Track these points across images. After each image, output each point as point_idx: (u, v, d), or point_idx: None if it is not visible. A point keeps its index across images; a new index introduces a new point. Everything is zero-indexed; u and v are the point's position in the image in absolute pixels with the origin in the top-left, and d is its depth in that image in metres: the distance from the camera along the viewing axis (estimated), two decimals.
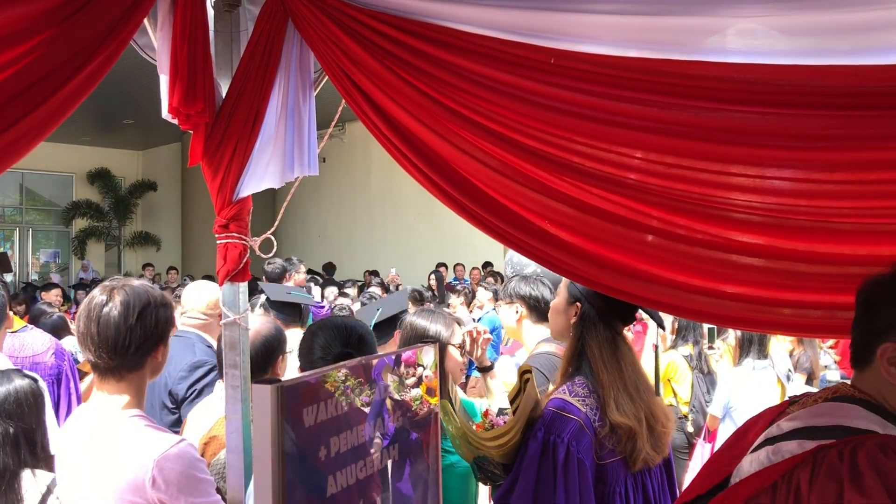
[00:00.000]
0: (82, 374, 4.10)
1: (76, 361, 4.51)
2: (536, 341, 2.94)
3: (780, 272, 1.74)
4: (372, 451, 1.29)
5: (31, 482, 2.17)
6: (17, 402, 2.27)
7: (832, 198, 1.58)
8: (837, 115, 1.42)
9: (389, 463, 1.37)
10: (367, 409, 1.28)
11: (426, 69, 1.80)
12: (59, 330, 5.03)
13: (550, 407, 2.04)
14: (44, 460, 2.26)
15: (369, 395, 1.29)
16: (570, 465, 1.93)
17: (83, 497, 1.75)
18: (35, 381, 2.40)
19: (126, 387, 1.82)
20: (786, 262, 1.72)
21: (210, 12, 2.11)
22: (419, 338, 2.51)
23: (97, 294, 1.82)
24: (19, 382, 2.32)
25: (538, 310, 2.97)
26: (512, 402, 2.11)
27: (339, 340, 1.90)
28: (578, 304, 2.19)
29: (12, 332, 3.70)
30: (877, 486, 1.12)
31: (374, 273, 14.41)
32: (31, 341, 3.75)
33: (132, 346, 1.78)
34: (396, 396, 1.42)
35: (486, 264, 13.77)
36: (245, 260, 2.14)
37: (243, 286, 2.20)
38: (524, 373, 2.10)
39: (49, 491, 2.16)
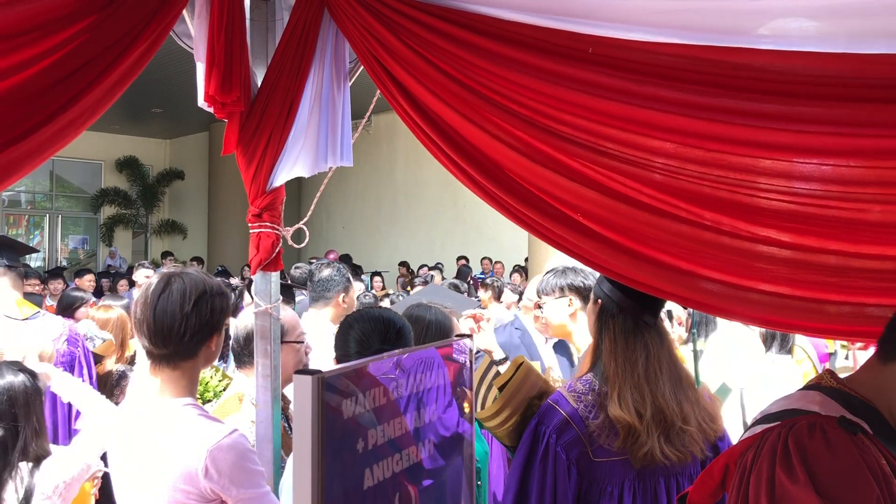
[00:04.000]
0: (98, 359, 4.07)
1: (93, 344, 4.48)
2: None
3: (807, 267, 1.70)
4: (409, 443, 1.28)
5: (12, 489, 2.14)
6: (9, 402, 2.20)
7: (864, 184, 1.54)
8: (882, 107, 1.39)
9: (426, 456, 1.36)
10: (406, 402, 1.27)
11: (460, 55, 1.79)
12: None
13: (549, 399, 2.07)
14: (35, 458, 2.22)
15: (412, 386, 1.29)
16: (548, 456, 1.96)
17: (135, 483, 1.76)
18: (32, 375, 2.32)
19: (180, 375, 1.81)
20: (809, 255, 1.67)
21: (246, 1, 2.11)
22: (420, 331, 2.49)
23: (155, 281, 1.81)
24: (11, 379, 2.24)
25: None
26: (501, 388, 2.15)
27: (377, 335, 1.84)
28: (599, 300, 2.15)
29: (23, 320, 3.59)
30: (800, 465, 1.24)
31: (404, 264, 14.40)
32: (43, 329, 3.59)
33: (187, 334, 1.77)
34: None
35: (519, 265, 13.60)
36: (277, 250, 2.14)
37: (275, 276, 2.20)
38: (520, 363, 2.17)
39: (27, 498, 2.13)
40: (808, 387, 1.49)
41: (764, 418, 1.44)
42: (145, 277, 7.32)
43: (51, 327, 3.68)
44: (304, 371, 0.97)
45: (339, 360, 2.00)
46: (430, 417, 1.39)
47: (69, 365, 3.52)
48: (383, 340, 1.88)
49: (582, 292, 2.84)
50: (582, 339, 2.85)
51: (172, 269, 1.86)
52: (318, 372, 0.98)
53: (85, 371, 3.62)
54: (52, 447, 2.34)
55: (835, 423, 1.29)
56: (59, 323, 3.75)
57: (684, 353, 4.75)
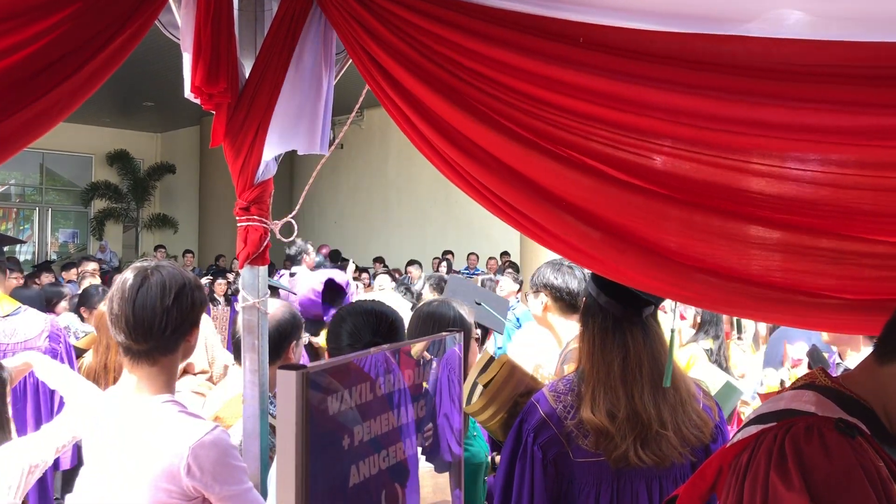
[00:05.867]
0: (80, 352, 4.02)
1: (75, 337, 4.43)
2: (568, 335, 2.81)
3: (801, 254, 1.67)
4: (396, 440, 1.26)
5: None
6: None
7: (860, 165, 1.52)
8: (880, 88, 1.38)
9: (413, 453, 1.35)
10: (394, 398, 1.25)
11: (447, 36, 1.75)
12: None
13: (532, 398, 2.06)
14: None
15: (398, 383, 1.27)
16: (525, 454, 1.96)
17: (115, 482, 1.72)
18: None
19: (159, 371, 1.77)
20: (801, 237, 1.65)
21: None
22: (440, 326, 2.45)
23: (130, 276, 1.77)
24: None
25: (563, 301, 2.84)
26: (486, 385, 2.16)
27: (369, 328, 1.82)
28: (585, 298, 2.13)
29: (3, 317, 3.56)
30: (795, 470, 1.20)
31: (380, 260, 14.28)
32: (24, 326, 3.59)
33: (168, 328, 1.74)
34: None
35: (504, 253, 13.67)
36: (265, 243, 2.12)
37: (263, 269, 2.18)
38: (504, 361, 2.18)
39: None
40: (801, 385, 1.45)
41: (758, 418, 1.40)
42: (91, 270, 7.46)
43: (33, 323, 3.63)
44: (288, 366, 0.96)
45: (330, 353, 1.98)
46: (419, 413, 1.38)
47: None
48: (375, 333, 1.87)
49: (552, 291, 2.86)
50: (564, 335, 2.86)
51: (145, 263, 1.83)
52: (303, 367, 0.96)
53: (66, 367, 3.58)
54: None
55: (832, 426, 1.26)
56: (40, 319, 3.70)
57: (694, 353, 4.73)
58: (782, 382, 3.91)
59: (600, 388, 1.95)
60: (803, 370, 3.99)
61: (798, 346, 4.23)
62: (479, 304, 3.42)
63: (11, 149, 1.62)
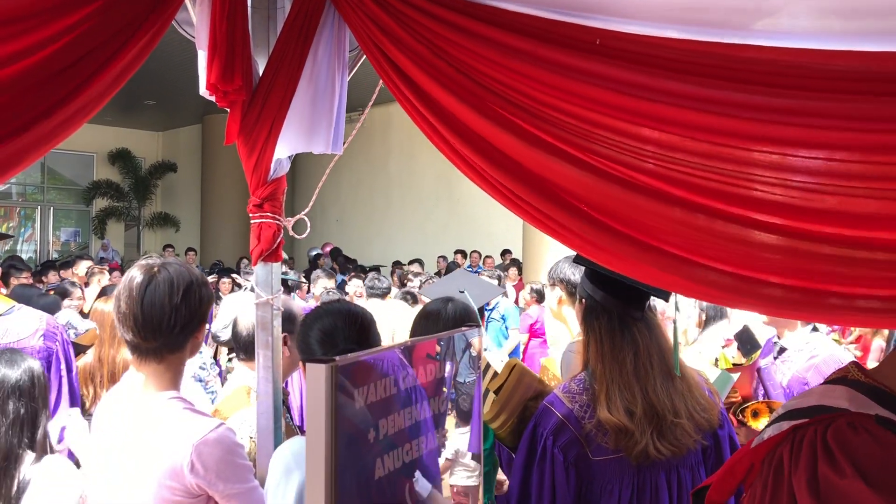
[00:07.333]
0: (83, 348, 3.88)
1: (75, 334, 4.29)
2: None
3: (808, 257, 1.68)
4: (417, 435, 1.27)
5: (26, 468, 2.05)
6: (31, 382, 2.15)
7: (867, 179, 1.53)
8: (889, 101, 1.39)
9: (434, 448, 1.36)
10: (415, 394, 1.26)
11: (462, 43, 1.76)
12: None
13: (544, 401, 2.05)
14: (40, 447, 2.13)
15: (417, 379, 1.28)
16: (546, 458, 1.96)
17: (121, 480, 1.72)
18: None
19: (166, 368, 1.77)
20: (807, 243, 1.66)
21: None
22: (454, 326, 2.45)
23: (137, 273, 1.76)
24: (32, 363, 2.20)
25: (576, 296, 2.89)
26: (497, 391, 2.16)
27: (341, 333, 1.75)
28: (584, 300, 2.14)
29: None
30: (845, 460, 1.20)
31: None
32: (17, 325, 3.42)
33: (177, 326, 1.73)
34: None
35: (506, 251, 13.68)
36: (279, 240, 2.13)
37: (276, 266, 2.19)
38: (513, 366, 2.19)
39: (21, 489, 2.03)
40: (833, 380, 1.43)
41: (787, 414, 1.38)
42: (88, 269, 7.54)
43: (26, 322, 3.46)
44: (317, 359, 0.96)
45: (305, 362, 1.91)
46: (440, 408, 1.39)
47: (46, 361, 3.32)
48: (348, 339, 1.77)
49: (567, 285, 2.88)
50: (577, 328, 2.87)
51: (151, 260, 1.81)
52: (332, 360, 0.97)
53: (63, 367, 3.44)
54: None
55: (872, 422, 1.25)
56: (34, 317, 3.51)
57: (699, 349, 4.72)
58: (716, 362, 3.93)
59: (614, 388, 1.96)
60: (733, 350, 4.01)
61: (733, 325, 4.23)
62: (463, 291, 3.47)
63: (38, 153, 1.63)
